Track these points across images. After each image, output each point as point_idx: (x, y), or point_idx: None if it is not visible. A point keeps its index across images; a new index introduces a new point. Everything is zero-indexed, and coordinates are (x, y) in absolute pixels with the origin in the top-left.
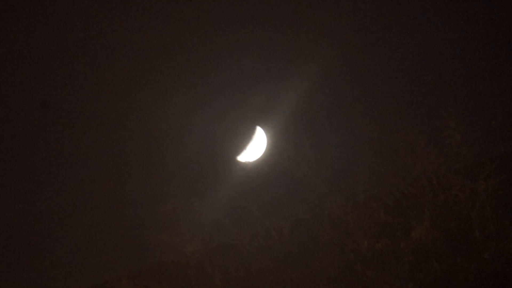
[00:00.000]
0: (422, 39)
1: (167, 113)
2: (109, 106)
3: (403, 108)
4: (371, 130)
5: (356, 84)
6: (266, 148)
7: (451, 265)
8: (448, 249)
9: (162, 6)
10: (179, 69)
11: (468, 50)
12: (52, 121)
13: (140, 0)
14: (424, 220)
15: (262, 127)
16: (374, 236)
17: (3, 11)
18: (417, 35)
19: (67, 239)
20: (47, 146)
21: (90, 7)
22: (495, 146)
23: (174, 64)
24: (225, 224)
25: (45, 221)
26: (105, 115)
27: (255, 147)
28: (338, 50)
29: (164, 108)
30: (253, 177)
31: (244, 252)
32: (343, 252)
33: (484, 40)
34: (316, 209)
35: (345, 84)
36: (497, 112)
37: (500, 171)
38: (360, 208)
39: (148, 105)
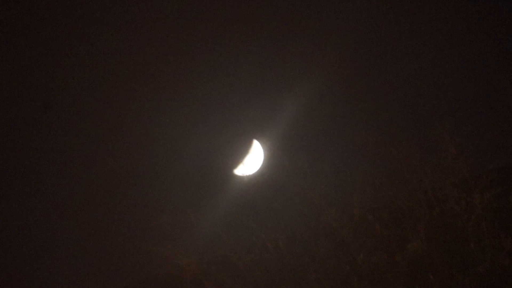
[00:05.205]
0: (417, 53)
1: (164, 126)
2: (104, 120)
3: (398, 121)
4: (367, 143)
5: (352, 98)
6: (263, 161)
7: (447, 278)
8: (443, 262)
9: (160, 18)
10: (176, 82)
11: (465, 63)
12: (52, 122)
13: (142, 15)
14: (420, 233)
15: (259, 140)
16: (370, 248)
17: (4, 11)
18: (412, 50)
19: (60, 251)
20: (46, 148)
21: (94, 10)
22: (490, 159)
23: (170, 77)
24: (221, 236)
25: (37, 229)
26: (100, 129)
27: (252, 161)
28: (334, 64)
29: (161, 121)
30: (249, 190)
31: (240, 264)
32: (338, 265)
33: (480, 54)
34: (312, 221)
35: (341, 97)
36: (493, 125)
37: (496, 184)
38: (355, 221)
39: (145, 117)
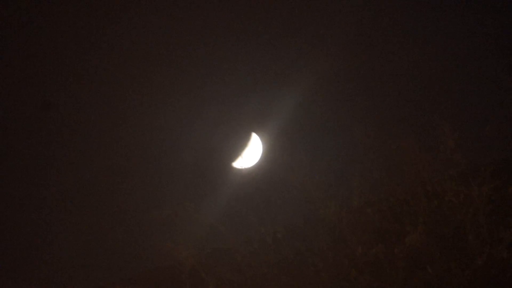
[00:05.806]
0: (416, 47)
1: (162, 119)
2: (102, 113)
3: (397, 115)
4: (365, 137)
5: (350, 91)
6: (262, 154)
7: (445, 270)
8: (442, 254)
9: (158, 13)
10: (174, 75)
11: (463, 56)
12: (52, 122)
13: (139, 10)
14: (418, 226)
15: (257, 133)
16: (368, 242)
17: (4, 11)
18: (410, 43)
19: (59, 244)
20: (45, 146)
21: (93, 9)
22: (489, 152)
23: (169, 70)
24: (219, 229)
25: (38, 225)
26: (98, 122)
27: (251, 154)
28: (333, 58)
29: (160, 114)
30: (248, 183)
31: (238, 257)
32: (337, 258)
33: (479, 47)
34: (311, 214)
35: (340, 91)
36: (491, 118)
37: (494, 177)
38: (354, 214)
39: (143, 111)
